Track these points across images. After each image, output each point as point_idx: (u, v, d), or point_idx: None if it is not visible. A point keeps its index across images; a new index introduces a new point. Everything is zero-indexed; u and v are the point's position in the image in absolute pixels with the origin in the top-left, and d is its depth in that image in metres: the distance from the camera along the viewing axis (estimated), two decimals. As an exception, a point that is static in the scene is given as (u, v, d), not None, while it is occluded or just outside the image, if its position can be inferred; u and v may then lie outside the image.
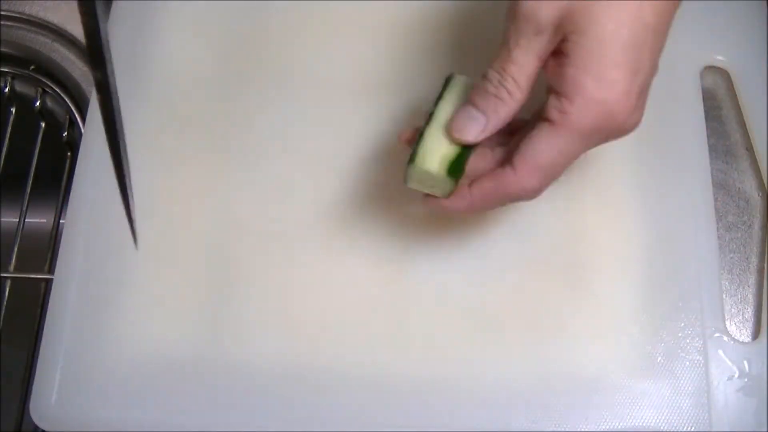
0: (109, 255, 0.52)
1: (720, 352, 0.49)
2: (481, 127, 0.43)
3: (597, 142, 0.42)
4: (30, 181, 0.63)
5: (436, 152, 0.43)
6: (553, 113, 0.40)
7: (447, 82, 0.46)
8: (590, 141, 0.41)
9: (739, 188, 0.55)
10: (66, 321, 0.51)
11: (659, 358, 0.49)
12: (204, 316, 0.51)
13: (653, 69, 0.41)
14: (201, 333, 0.50)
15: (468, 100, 0.43)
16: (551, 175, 0.42)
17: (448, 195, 0.44)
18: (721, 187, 0.54)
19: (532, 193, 0.43)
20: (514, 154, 0.42)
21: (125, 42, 0.58)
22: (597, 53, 0.39)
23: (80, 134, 0.61)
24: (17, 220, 0.62)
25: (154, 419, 0.49)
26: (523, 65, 0.41)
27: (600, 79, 0.39)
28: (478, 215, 0.52)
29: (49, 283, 0.57)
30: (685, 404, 0.48)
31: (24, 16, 0.65)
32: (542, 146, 0.41)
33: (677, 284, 0.50)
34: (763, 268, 0.52)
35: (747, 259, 0.53)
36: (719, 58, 0.56)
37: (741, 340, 0.50)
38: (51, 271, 0.55)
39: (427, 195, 0.46)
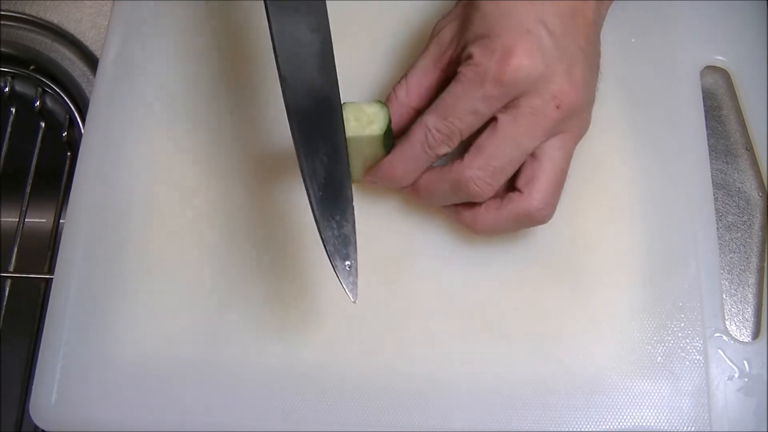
0: (109, 255, 0.52)
1: (720, 352, 0.49)
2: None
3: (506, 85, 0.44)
4: (30, 181, 0.63)
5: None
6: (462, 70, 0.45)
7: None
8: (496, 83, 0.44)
9: (739, 188, 0.55)
10: (66, 321, 0.51)
11: (659, 358, 0.49)
12: (204, 316, 0.51)
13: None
14: (201, 333, 0.50)
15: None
16: (462, 128, 0.45)
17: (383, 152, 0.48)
18: (721, 187, 0.54)
19: (446, 135, 0.45)
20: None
21: (125, 42, 0.58)
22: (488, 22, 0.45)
23: (80, 134, 0.62)
24: (17, 220, 0.62)
25: (154, 419, 0.49)
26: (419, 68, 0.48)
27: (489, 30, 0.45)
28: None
29: (49, 283, 0.57)
30: (685, 404, 0.48)
31: (24, 16, 0.65)
32: (448, 95, 0.45)
33: (677, 284, 0.50)
34: (763, 268, 0.52)
35: (747, 259, 0.53)
36: (719, 58, 0.56)
37: (741, 340, 0.50)
38: (51, 271, 0.55)
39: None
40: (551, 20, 0.44)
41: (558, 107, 0.45)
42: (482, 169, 0.45)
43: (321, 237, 0.43)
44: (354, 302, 0.43)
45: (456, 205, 0.50)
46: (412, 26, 0.57)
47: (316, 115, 0.44)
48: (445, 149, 0.46)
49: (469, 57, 0.45)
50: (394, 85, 0.50)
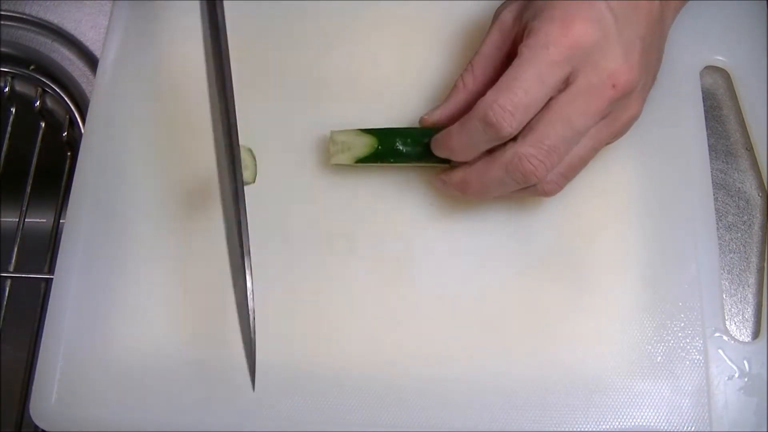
0: (109, 255, 0.52)
1: (720, 351, 0.49)
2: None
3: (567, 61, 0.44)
4: (30, 181, 0.63)
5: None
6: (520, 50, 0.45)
7: None
8: (558, 57, 0.43)
9: (739, 188, 0.55)
10: (66, 321, 0.51)
11: (659, 358, 0.49)
12: (204, 316, 0.51)
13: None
14: (201, 333, 0.50)
15: None
16: (526, 102, 0.44)
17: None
18: (721, 187, 0.54)
19: (510, 115, 0.44)
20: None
21: (125, 42, 0.58)
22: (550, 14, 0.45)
23: (80, 134, 0.61)
24: (17, 219, 0.62)
25: (154, 419, 0.49)
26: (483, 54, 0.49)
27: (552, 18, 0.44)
28: (479, 214, 0.52)
29: (49, 282, 0.57)
30: (685, 404, 0.48)
31: (24, 16, 0.65)
32: (511, 69, 0.44)
33: (677, 284, 0.50)
34: (763, 268, 0.52)
35: (747, 259, 0.53)
36: (719, 58, 0.56)
37: (741, 340, 0.50)
38: (51, 271, 0.55)
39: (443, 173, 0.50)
40: (614, 2, 0.44)
41: (614, 86, 0.44)
42: (534, 147, 0.44)
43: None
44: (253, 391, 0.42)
45: (448, 171, 0.49)
46: (419, 25, 0.57)
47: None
48: (508, 129, 0.44)
49: (531, 31, 0.44)
50: (461, 73, 0.49)
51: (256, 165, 0.50)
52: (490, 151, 0.47)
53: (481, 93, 0.46)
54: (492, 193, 0.48)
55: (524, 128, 0.45)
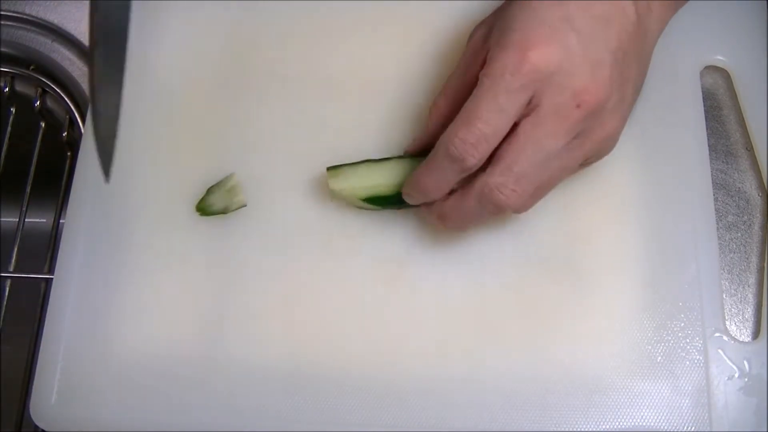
0: (109, 255, 0.52)
1: (720, 351, 0.49)
2: None
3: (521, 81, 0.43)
4: (30, 181, 0.63)
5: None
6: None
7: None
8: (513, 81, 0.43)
9: (739, 188, 0.55)
10: (66, 321, 0.51)
11: (659, 358, 0.49)
12: (204, 316, 0.51)
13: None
14: (201, 333, 0.50)
15: None
16: (487, 133, 0.43)
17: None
18: (721, 187, 0.54)
19: (473, 145, 0.44)
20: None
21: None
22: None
23: (80, 134, 0.61)
24: (17, 219, 0.62)
25: (154, 419, 0.49)
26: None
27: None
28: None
29: (49, 283, 0.57)
30: (685, 404, 0.48)
31: (24, 16, 0.65)
32: (471, 100, 0.44)
33: (677, 284, 0.50)
34: (763, 268, 0.52)
35: (747, 259, 0.53)
36: (719, 58, 0.56)
37: (741, 340, 0.50)
38: (51, 271, 0.55)
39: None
40: (579, 20, 0.43)
41: (579, 106, 0.43)
42: (504, 175, 0.44)
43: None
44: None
45: (426, 206, 0.49)
46: (413, 25, 0.57)
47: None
48: (472, 161, 0.44)
49: (490, 59, 0.44)
50: (434, 97, 0.49)
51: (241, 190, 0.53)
52: (465, 184, 0.46)
53: (455, 114, 0.45)
54: (470, 223, 0.48)
55: (493, 157, 0.44)
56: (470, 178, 0.46)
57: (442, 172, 0.45)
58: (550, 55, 0.42)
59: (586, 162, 0.47)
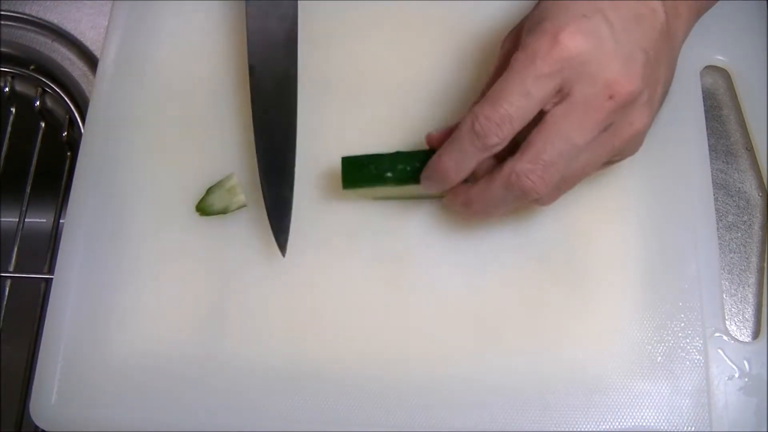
0: (109, 255, 0.52)
1: (720, 351, 0.49)
2: None
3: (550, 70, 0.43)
4: (30, 181, 0.63)
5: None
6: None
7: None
8: (543, 68, 0.43)
9: (739, 188, 0.55)
10: (66, 321, 0.51)
11: (659, 358, 0.49)
12: (204, 316, 0.51)
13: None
14: (201, 333, 0.50)
15: None
16: (512, 114, 0.43)
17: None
18: (721, 187, 0.54)
19: (498, 126, 0.44)
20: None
21: (125, 42, 0.58)
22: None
23: (80, 134, 0.61)
24: (17, 219, 0.62)
25: (154, 419, 0.49)
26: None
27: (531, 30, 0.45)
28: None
29: (49, 282, 0.57)
30: (685, 404, 0.48)
31: (24, 16, 0.65)
32: (499, 82, 0.44)
33: (677, 284, 0.50)
34: (763, 268, 0.52)
35: (747, 259, 0.53)
36: (719, 58, 0.56)
37: (741, 340, 0.50)
38: (51, 271, 0.55)
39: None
40: (611, 14, 0.43)
41: (611, 97, 0.43)
42: (532, 162, 0.44)
43: (263, 196, 0.50)
44: (283, 257, 0.51)
45: (452, 189, 0.48)
46: (422, 26, 0.57)
47: (275, 97, 0.52)
48: (494, 140, 0.43)
49: (522, 45, 0.44)
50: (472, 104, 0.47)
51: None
52: (491, 171, 0.46)
53: None
54: (495, 211, 0.48)
55: (523, 144, 0.44)
56: (497, 165, 0.45)
57: (464, 152, 0.45)
58: (581, 41, 0.42)
59: (610, 161, 0.47)
